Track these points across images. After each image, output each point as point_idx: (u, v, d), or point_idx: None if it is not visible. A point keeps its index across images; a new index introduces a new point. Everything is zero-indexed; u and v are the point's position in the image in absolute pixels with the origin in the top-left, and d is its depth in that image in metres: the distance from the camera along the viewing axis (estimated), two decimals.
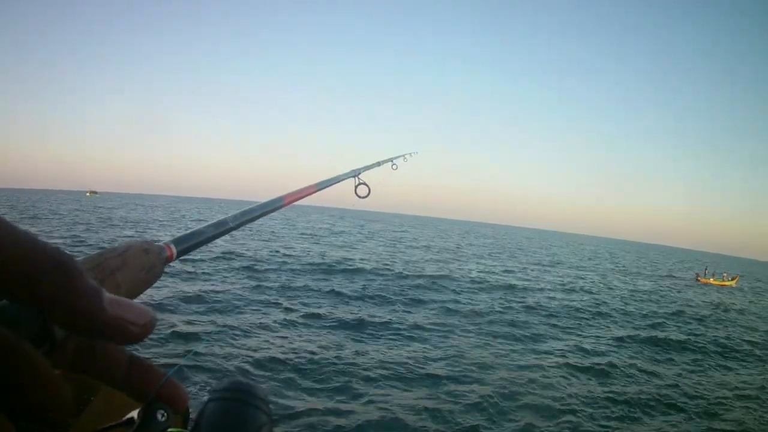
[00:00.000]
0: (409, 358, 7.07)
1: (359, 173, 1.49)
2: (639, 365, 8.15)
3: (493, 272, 19.34)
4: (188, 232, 0.59)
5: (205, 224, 0.62)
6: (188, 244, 0.57)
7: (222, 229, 0.65)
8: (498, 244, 48.35)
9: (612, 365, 7.90)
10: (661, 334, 10.69)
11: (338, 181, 1.26)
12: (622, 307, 14.09)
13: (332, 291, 11.50)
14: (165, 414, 0.30)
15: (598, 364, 7.87)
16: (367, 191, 1.49)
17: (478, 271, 18.83)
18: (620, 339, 9.89)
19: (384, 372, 6.39)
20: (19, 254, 0.22)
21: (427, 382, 6.27)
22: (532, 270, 22.73)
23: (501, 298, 13.20)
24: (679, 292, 20.80)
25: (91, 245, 15.25)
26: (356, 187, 1.46)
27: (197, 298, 9.25)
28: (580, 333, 10.23)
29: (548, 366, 7.45)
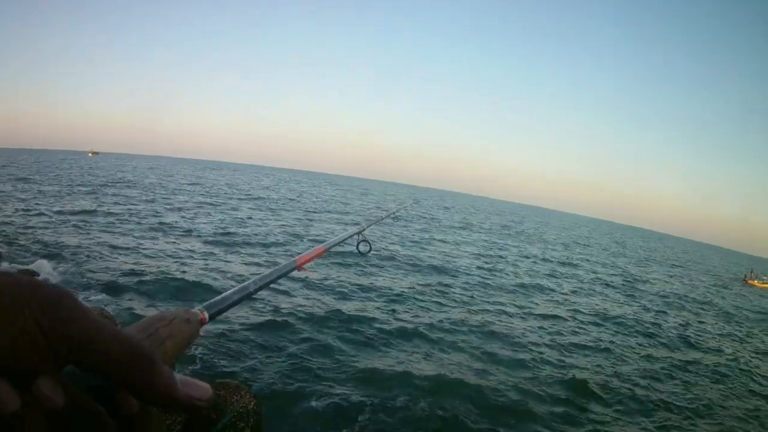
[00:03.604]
0: None
1: (363, 230, 1.58)
2: None
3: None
4: (217, 298, 0.68)
5: (231, 290, 0.71)
6: (217, 309, 0.67)
7: (245, 293, 0.74)
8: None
9: None
10: None
11: (343, 240, 1.35)
12: None
13: None
14: None
15: None
16: (369, 248, 1.58)
17: None
18: None
19: None
20: (122, 353, 0.29)
21: None
22: None
23: None
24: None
25: None
26: (359, 243, 1.55)
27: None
28: None
29: None
